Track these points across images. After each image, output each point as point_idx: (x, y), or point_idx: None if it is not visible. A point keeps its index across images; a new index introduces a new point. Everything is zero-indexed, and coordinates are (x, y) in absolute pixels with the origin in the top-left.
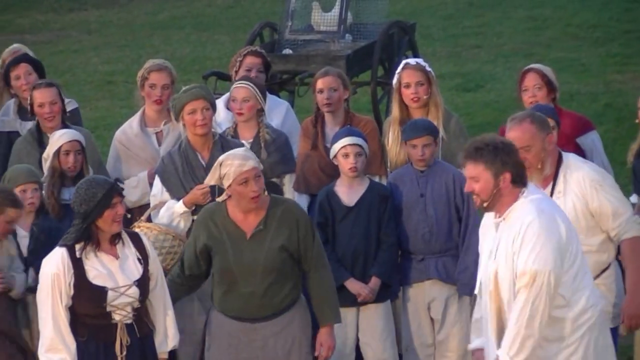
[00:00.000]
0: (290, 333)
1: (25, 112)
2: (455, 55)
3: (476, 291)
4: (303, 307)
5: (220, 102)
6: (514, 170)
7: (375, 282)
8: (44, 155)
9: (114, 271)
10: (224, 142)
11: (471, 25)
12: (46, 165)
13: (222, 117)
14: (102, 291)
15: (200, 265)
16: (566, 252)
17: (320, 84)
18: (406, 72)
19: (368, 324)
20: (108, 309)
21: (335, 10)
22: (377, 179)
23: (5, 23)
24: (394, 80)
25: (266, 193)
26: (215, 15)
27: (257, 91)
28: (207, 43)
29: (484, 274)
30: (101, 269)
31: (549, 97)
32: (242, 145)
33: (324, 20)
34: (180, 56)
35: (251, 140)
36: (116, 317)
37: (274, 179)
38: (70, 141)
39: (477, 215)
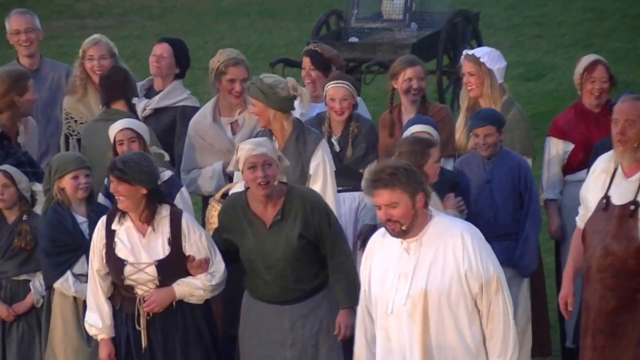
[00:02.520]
0: (318, 316)
1: (151, 90)
2: (518, 44)
3: (388, 311)
4: (332, 291)
5: None
6: (425, 190)
7: None
8: None
9: (138, 247)
10: (300, 135)
11: (533, 15)
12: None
13: None
14: (121, 264)
15: (228, 248)
16: None
17: (410, 73)
18: (463, 62)
19: None
20: (127, 282)
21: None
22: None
23: (65, 8)
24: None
25: (277, 183)
26: (281, 2)
27: (353, 88)
28: (273, 30)
29: (395, 297)
30: (127, 243)
31: (610, 91)
32: (318, 136)
33: (391, 8)
34: (246, 43)
35: (339, 135)
36: (138, 291)
37: (361, 170)
38: (121, 130)
39: (538, 203)
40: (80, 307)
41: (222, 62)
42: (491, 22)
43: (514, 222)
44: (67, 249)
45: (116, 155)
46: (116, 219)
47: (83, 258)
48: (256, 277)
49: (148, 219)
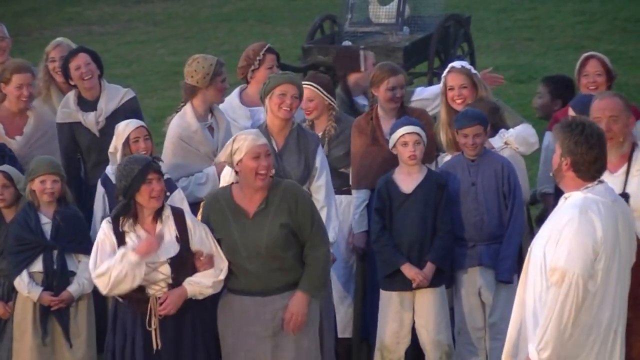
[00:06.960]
0: None
1: (85, 103)
2: (509, 47)
3: None
4: None
5: (234, 97)
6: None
7: (430, 267)
8: (111, 149)
9: None
10: (300, 132)
11: (524, 19)
12: (116, 157)
13: (239, 114)
14: None
15: None
16: (596, 262)
17: (393, 81)
18: (450, 76)
19: (423, 307)
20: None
21: (394, 4)
22: (433, 166)
23: (73, 15)
24: (441, 84)
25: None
26: (278, 7)
27: (321, 89)
28: (269, 35)
29: None
30: (138, 243)
31: (607, 85)
32: (317, 136)
33: (383, 13)
34: (244, 48)
35: (320, 134)
36: (150, 291)
37: (343, 169)
38: (137, 128)
39: (522, 205)
40: (37, 308)
41: (210, 66)
42: (482, 26)
43: (500, 225)
44: (28, 247)
45: (130, 152)
46: (125, 222)
47: (40, 257)
48: (238, 269)
49: (161, 216)
